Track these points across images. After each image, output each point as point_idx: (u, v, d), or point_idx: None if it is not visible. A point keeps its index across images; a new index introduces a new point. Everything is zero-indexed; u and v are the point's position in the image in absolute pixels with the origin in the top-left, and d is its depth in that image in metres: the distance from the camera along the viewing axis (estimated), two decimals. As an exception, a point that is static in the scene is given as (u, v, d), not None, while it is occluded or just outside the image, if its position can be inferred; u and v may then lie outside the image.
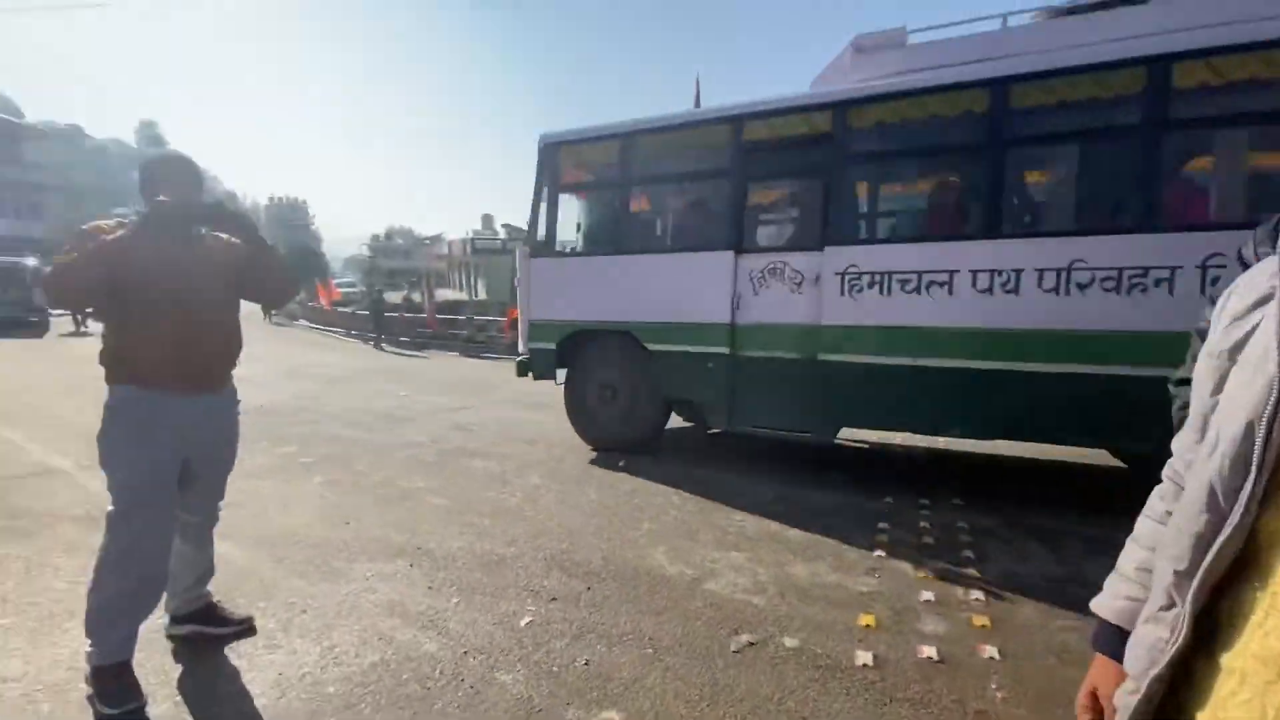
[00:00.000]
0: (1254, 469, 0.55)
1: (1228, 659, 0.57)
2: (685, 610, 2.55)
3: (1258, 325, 0.60)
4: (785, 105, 4.36)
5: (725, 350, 4.51)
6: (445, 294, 29.02)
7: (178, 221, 2.00)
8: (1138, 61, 3.34)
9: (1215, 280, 3.12)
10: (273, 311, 20.00)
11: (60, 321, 16.37)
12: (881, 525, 3.46)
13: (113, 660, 1.92)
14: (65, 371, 9.04)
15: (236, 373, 2.25)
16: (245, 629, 2.33)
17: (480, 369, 10.85)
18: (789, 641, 2.32)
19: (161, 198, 2.00)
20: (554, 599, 2.63)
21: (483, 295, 26.34)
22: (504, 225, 31.65)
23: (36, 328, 15.30)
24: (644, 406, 5.00)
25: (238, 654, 2.21)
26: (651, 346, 4.82)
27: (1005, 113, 3.70)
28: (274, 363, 10.84)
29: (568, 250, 5.53)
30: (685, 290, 4.66)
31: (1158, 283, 3.29)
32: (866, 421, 4.43)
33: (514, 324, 9.95)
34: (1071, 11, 3.94)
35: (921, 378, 3.90)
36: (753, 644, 2.31)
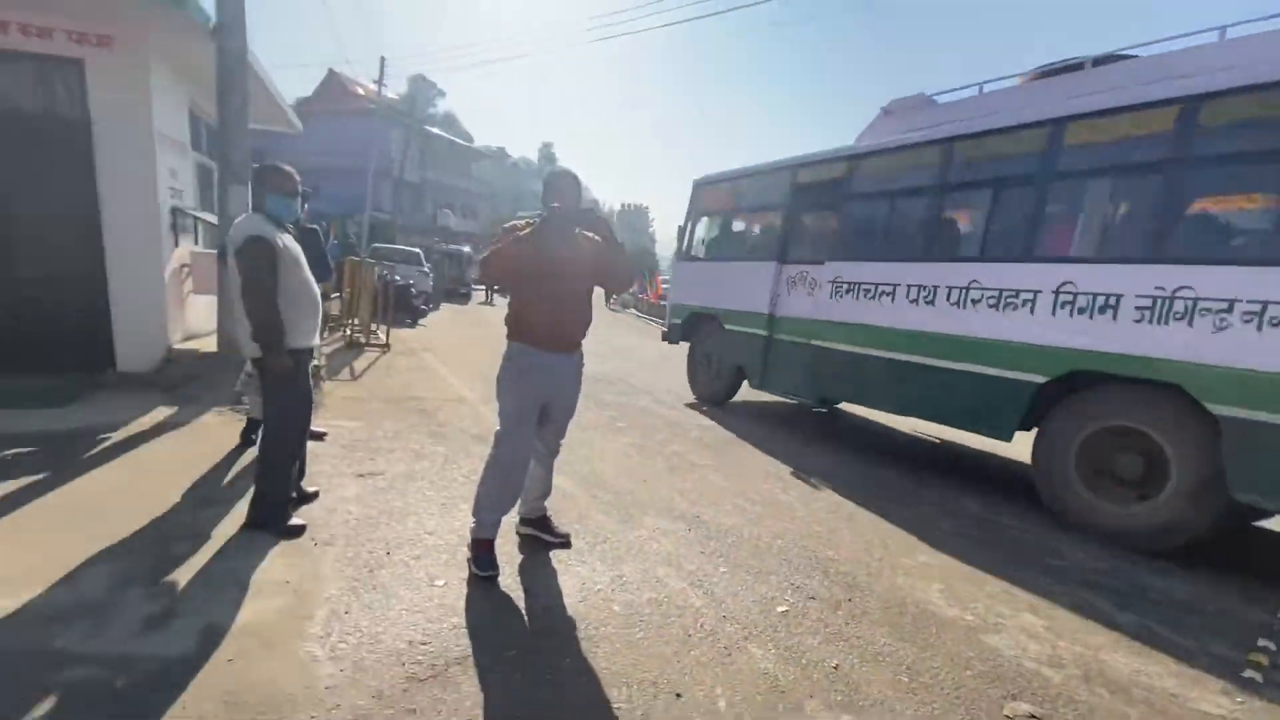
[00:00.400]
0: None
1: None
2: (954, 654, 2.34)
3: None
4: (817, 159, 5.87)
5: (765, 333, 6.12)
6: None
7: (564, 223, 2.64)
8: (1023, 126, 4.23)
9: (1064, 303, 3.84)
10: (613, 298, 23.48)
11: (478, 294, 22.08)
12: (1264, 643, 2.56)
13: (484, 536, 2.68)
14: (478, 330, 12.27)
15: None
16: (564, 543, 2.96)
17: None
18: (1085, 732, 1.96)
19: (555, 205, 2.66)
20: (813, 598, 2.69)
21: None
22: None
23: (464, 298, 20.98)
24: (723, 372, 6.81)
25: (557, 559, 2.83)
26: (726, 326, 6.68)
27: (940, 165, 4.76)
28: (606, 340, 12.84)
29: (697, 256, 7.56)
30: (747, 288, 6.34)
31: (1024, 302, 4.05)
32: (837, 396, 5.72)
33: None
34: (1040, 76, 4.68)
35: (870, 364, 5.08)
36: (1035, 718, 2.02)
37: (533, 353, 2.65)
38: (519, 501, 2.85)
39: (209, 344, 5.87)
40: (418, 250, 17.54)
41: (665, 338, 7.92)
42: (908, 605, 2.70)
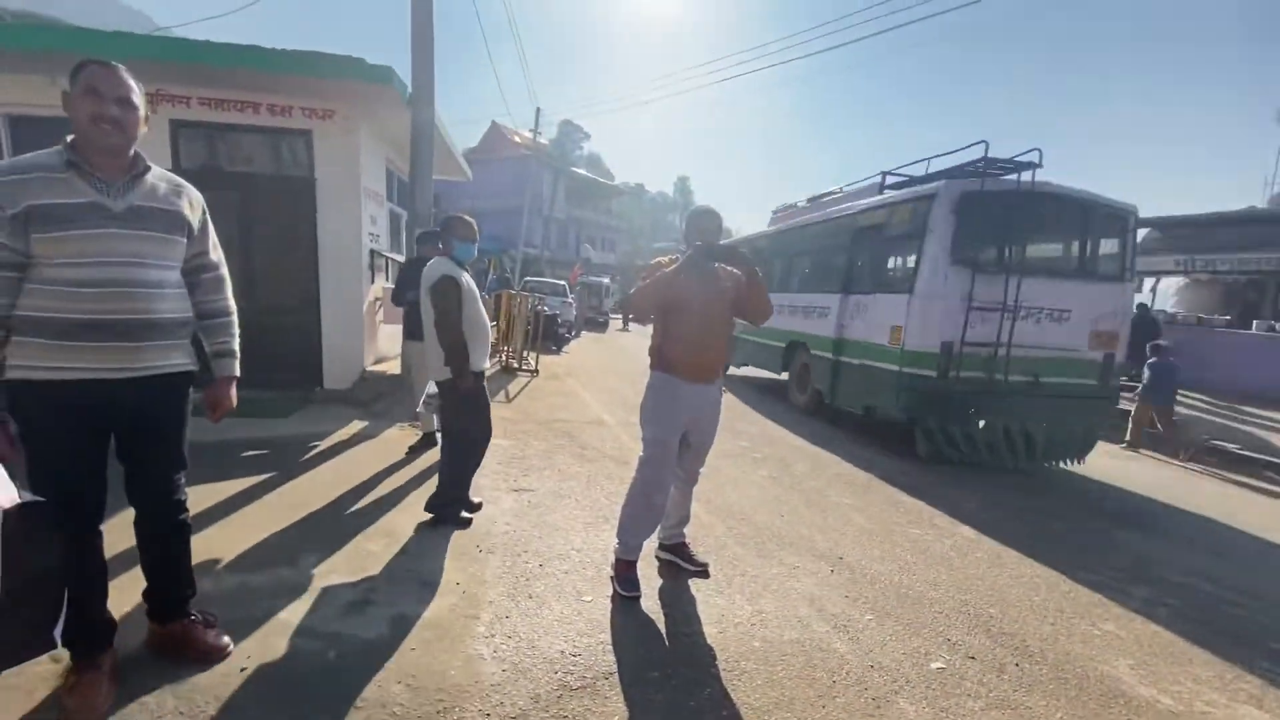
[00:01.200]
0: None
1: None
2: (1152, 743, 2.04)
3: None
4: (744, 238, 11.55)
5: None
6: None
7: (705, 259, 2.75)
8: (779, 231, 9.75)
9: (790, 311, 8.19)
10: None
11: (615, 322, 23.03)
12: None
13: (627, 558, 2.80)
14: (616, 357, 12.79)
15: (726, 374, 2.93)
16: (702, 571, 3.00)
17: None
18: None
19: (698, 242, 2.78)
20: (972, 657, 2.48)
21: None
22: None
23: (602, 326, 22.02)
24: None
25: (695, 588, 2.87)
26: None
27: (765, 245, 9.86)
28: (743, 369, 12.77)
29: None
30: None
31: (783, 310, 7.48)
32: (745, 363, 10.29)
33: None
34: (809, 200, 9.61)
35: (749, 344, 9.73)
36: (1264, 835, 1.70)
37: (675, 382, 2.76)
38: (658, 527, 2.94)
39: (393, 367, 6.72)
40: (563, 283, 18.77)
41: None
42: (1089, 679, 2.39)
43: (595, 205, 40.27)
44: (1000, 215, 5.48)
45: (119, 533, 2.07)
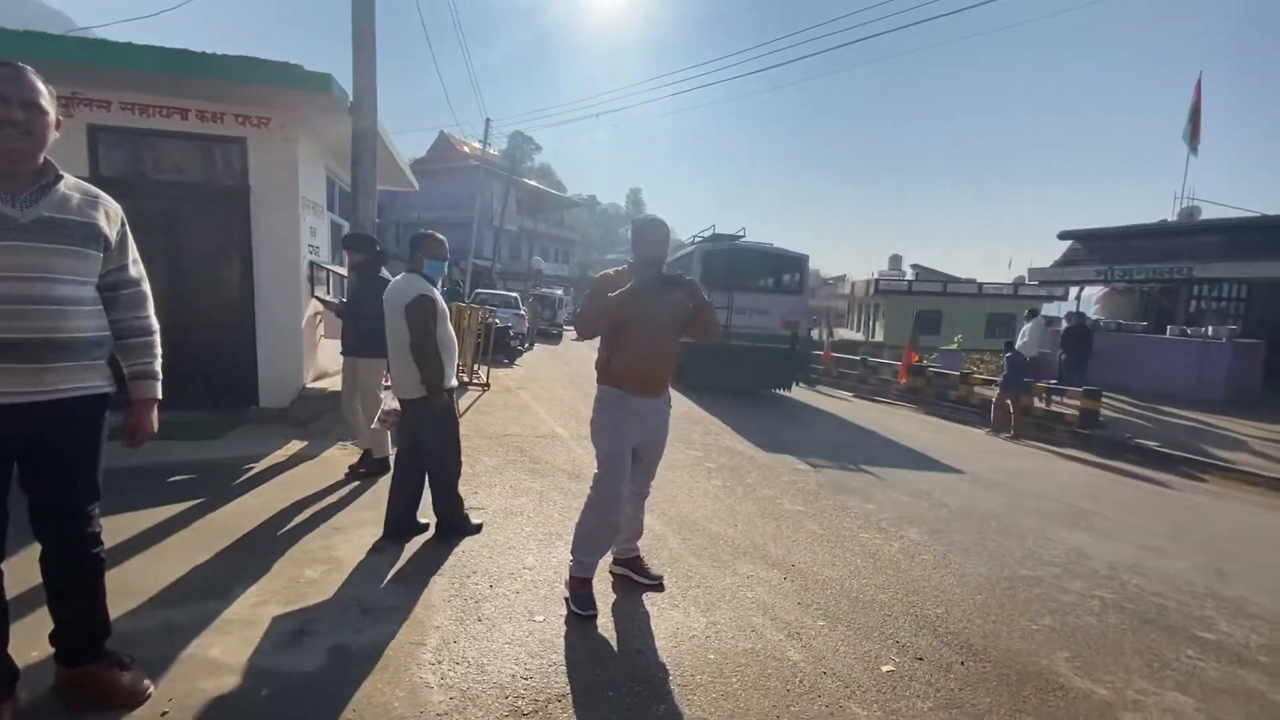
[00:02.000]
0: None
1: None
2: (1088, 733, 2.12)
3: None
4: None
5: None
6: (842, 333, 29.33)
7: (653, 282, 2.71)
8: (680, 257, 11.93)
9: None
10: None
11: (569, 333, 22.87)
12: None
13: (582, 575, 2.75)
14: (568, 369, 12.69)
15: (677, 385, 2.93)
16: (657, 585, 2.97)
17: (869, 411, 10.61)
18: (1257, 839, 1.70)
19: (643, 250, 2.76)
20: (920, 658, 2.53)
21: (879, 336, 25.37)
22: (914, 266, 29.94)
23: (555, 339, 21.87)
24: None
25: (650, 601, 2.85)
26: None
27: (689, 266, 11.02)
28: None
29: None
30: None
31: None
32: None
33: (910, 370, 11.57)
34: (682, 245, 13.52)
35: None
36: (1190, 816, 1.78)
37: (624, 396, 2.74)
38: (613, 543, 2.91)
39: (334, 384, 6.47)
40: (515, 295, 18.59)
41: None
42: (1030, 673, 2.48)
43: (547, 217, 40.10)
44: (725, 260, 10.60)
45: (23, 569, 1.90)
